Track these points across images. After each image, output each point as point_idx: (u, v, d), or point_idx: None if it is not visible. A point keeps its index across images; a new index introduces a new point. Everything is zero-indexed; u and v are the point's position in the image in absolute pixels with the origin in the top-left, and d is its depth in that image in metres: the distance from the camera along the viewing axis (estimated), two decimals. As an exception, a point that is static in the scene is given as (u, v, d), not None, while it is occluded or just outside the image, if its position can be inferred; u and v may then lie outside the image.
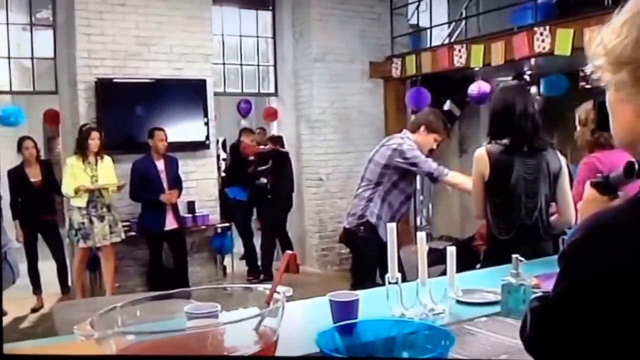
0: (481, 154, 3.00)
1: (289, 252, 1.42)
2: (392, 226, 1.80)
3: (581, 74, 6.22)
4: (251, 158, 7.59)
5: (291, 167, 7.57)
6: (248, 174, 7.48)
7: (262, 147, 7.76)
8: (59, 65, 6.83)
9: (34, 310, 6.18)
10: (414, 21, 8.53)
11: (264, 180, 7.39)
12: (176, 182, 6.32)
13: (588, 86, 5.59)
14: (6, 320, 5.92)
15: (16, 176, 6.24)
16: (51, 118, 7.53)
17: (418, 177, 4.90)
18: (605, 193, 1.21)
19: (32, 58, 6.84)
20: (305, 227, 8.02)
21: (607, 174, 1.27)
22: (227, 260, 7.36)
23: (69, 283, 6.42)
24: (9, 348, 1.86)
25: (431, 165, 3.90)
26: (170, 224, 6.24)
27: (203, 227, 6.86)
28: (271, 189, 7.36)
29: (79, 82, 6.47)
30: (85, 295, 6.07)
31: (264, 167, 7.38)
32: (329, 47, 7.71)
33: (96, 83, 6.42)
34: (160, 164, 6.22)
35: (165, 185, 6.20)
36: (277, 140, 7.68)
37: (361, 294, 1.80)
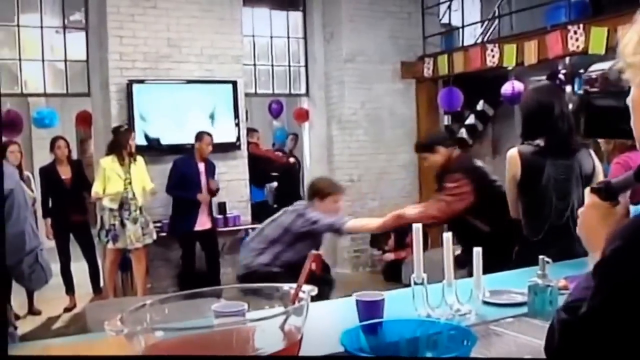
0: (513, 155, 3.00)
1: (314, 252, 1.45)
2: (417, 227, 1.83)
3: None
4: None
5: (299, 179, 7.60)
6: (262, 175, 7.54)
7: (277, 152, 7.79)
8: (91, 67, 6.98)
9: (66, 310, 6.32)
10: (445, 20, 8.50)
11: (274, 183, 7.46)
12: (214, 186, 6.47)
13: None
14: (40, 319, 6.08)
15: (47, 173, 6.38)
16: (83, 120, 7.68)
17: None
18: (606, 199, 1.18)
19: (65, 60, 7.01)
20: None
21: (607, 179, 1.26)
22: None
23: (101, 284, 6.54)
24: (41, 346, 1.94)
25: (330, 219, 3.96)
26: (203, 224, 6.33)
27: (234, 228, 6.94)
28: (276, 198, 7.42)
29: (111, 84, 6.61)
30: (117, 295, 6.18)
31: (274, 174, 7.44)
32: (360, 47, 7.73)
33: (128, 85, 6.54)
34: (201, 166, 6.35)
35: (203, 187, 6.31)
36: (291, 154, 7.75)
37: (387, 295, 1.83)
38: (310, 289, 1.36)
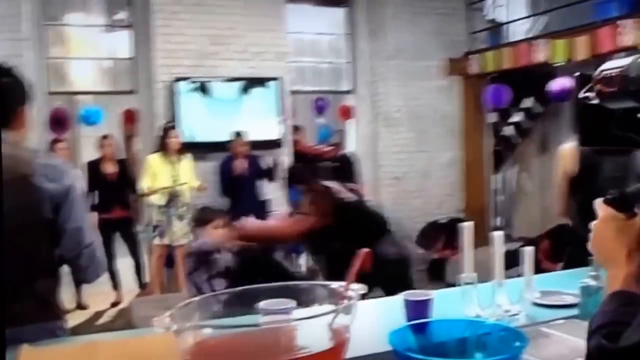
0: (568, 151, 2.95)
1: (364, 249, 1.44)
2: (468, 226, 1.80)
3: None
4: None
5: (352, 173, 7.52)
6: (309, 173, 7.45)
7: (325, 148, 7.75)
8: (137, 65, 7.10)
9: (113, 305, 6.45)
10: (491, 16, 8.38)
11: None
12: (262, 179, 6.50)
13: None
14: (87, 313, 6.22)
15: (93, 168, 6.50)
16: (129, 117, 7.81)
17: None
18: (621, 210, 1.11)
19: (111, 59, 7.14)
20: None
21: (622, 189, 1.18)
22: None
23: (146, 279, 6.65)
24: (89, 340, 1.97)
25: None
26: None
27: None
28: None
29: (156, 81, 6.71)
30: (163, 291, 6.28)
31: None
32: (404, 43, 7.68)
33: (173, 82, 6.63)
34: (243, 163, 6.40)
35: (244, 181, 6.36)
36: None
37: (435, 294, 1.81)
38: (359, 288, 1.35)
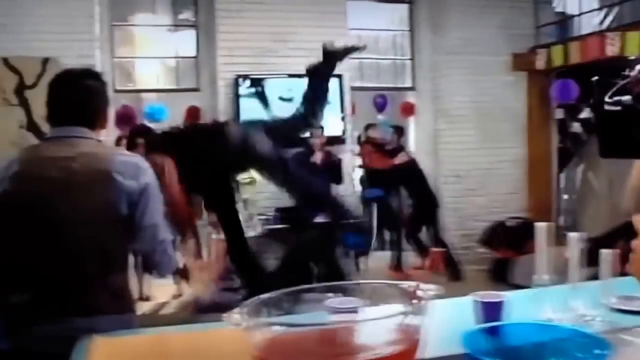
0: None
1: (435, 249, 1.42)
2: (542, 226, 1.75)
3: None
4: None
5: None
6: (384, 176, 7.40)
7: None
8: (200, 63, 7.22)
9: (174, 297, 6.57)
10: (560, 9, 8.16)
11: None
12: (335, 176, 6.48)
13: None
14: (148, 305, 6.36)
15: None
16: (192, 114, 7.92)
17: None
18: None
19: (175, 57, 7.29)
20: (444, 224, 7.91)
21: None
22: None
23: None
24: (157, 332, 2.00)
25: None
26: (321, 217, 6.36)
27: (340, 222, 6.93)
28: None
29: (219, 79, 6.81)
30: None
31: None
32: (468, 38, 7.54)
33: (235, 80, 6.70)
34: (317, 157, 6.43)
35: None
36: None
37: (507, 296, 1.76)
38: (431, 288, 1.32)
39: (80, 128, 2.08)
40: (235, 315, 1.27)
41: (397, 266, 7.33)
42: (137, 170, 2.05)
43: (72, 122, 2.07)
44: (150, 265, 2.16)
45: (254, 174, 6.19)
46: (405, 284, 1.40)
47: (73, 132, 2.07)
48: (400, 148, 7.65)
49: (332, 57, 4.22)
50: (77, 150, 2.02)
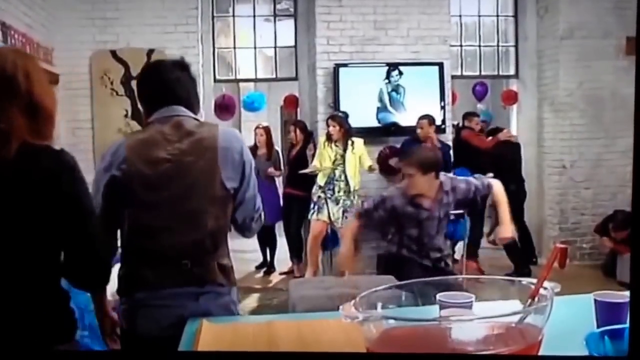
0: None
1: (559, 245, 1.37)
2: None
3: None
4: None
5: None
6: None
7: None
8: (299, 52, 7.30)
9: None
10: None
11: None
12: (445, 167, 6.37)
13: None
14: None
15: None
16: (290, 103, 8.06)
17: None
18: None
19: (274, 47, 7.40)
20: (545, 217, 7.67)
21: None
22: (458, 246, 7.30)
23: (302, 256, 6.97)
24: (263, 320, 2.04)
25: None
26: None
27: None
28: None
29: (317, 68, 6.84)
30: (317, 272, 6.40)
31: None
32: (579, 21, 7.20)
33: (334, 69, 6.73)
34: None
35: None
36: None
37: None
38: (553, 286, 1.28)
39: (182, 108, 2.14)
40: (351, 307, 1.28)
41: (472, 256, 6.99)
42: (239, 142, 2.16)
43: (174, 102, 2.14)
44: (243, 231, 2.26)
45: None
46: (525, 280, 1.37)
47: (176, 111, 2.12)
48: (499, 129, 7.46)
49: None
50: (183, 129, 2.09)
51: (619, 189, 7.35)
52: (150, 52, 6.34)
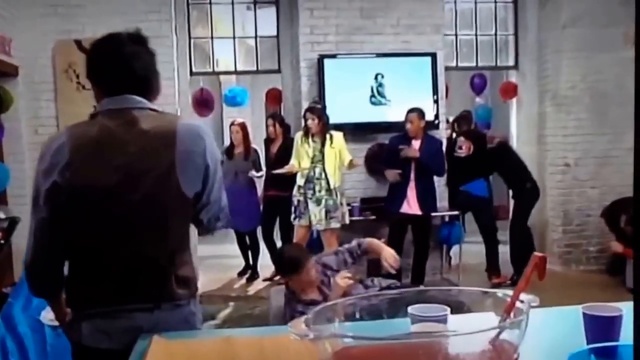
0: None
1: (537, 254, 1.29)
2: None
3: None
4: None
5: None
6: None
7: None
8: (282, 43, 7.24)
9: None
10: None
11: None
12: (437, 165, 6.33)
13: None
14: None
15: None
16: (273, 97, 8.00)
17: None
18: None
19: (255, 37, 7.32)
20: (547, 219, 7.63)
21: None
22: (453, 251, 7.28)
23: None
24: (221, 335, 1.96)
25: None
26: (413, 208, 6.22)
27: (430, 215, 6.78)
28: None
29: (301, 59, 6.78)
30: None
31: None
32: (582, 9, 7.15)
33: (319, 60, 6.65)
34: (415, 144, 6.25)
35: (412, 165, 6.20)
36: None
37: (626, 308, 1.60)
38: (530, 299, 1.20)
39: (136, 98, 2.00)
40: (300, 324, 1.20)
41: (494, 268, 6.97)
42: (201, 141, 2.00)
43: (129, 87, 2.00)
44: (208, 231, 2.20)
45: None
46: (500, 292, 1.29)
47: (129, 102, 2.00)
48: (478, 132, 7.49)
49: None
50: (136, 129, 1.95)
51: (626, 188, 7.25)
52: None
